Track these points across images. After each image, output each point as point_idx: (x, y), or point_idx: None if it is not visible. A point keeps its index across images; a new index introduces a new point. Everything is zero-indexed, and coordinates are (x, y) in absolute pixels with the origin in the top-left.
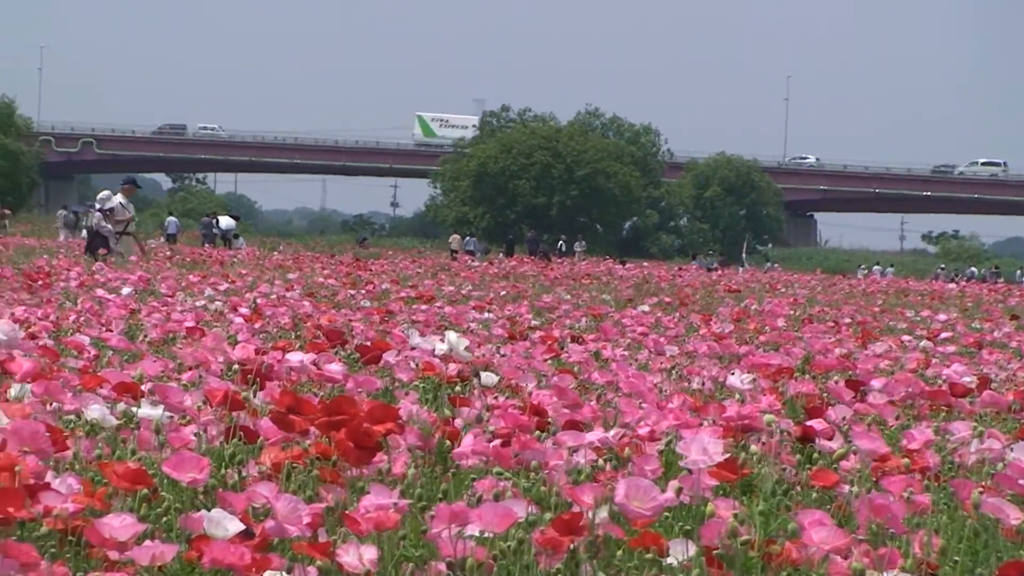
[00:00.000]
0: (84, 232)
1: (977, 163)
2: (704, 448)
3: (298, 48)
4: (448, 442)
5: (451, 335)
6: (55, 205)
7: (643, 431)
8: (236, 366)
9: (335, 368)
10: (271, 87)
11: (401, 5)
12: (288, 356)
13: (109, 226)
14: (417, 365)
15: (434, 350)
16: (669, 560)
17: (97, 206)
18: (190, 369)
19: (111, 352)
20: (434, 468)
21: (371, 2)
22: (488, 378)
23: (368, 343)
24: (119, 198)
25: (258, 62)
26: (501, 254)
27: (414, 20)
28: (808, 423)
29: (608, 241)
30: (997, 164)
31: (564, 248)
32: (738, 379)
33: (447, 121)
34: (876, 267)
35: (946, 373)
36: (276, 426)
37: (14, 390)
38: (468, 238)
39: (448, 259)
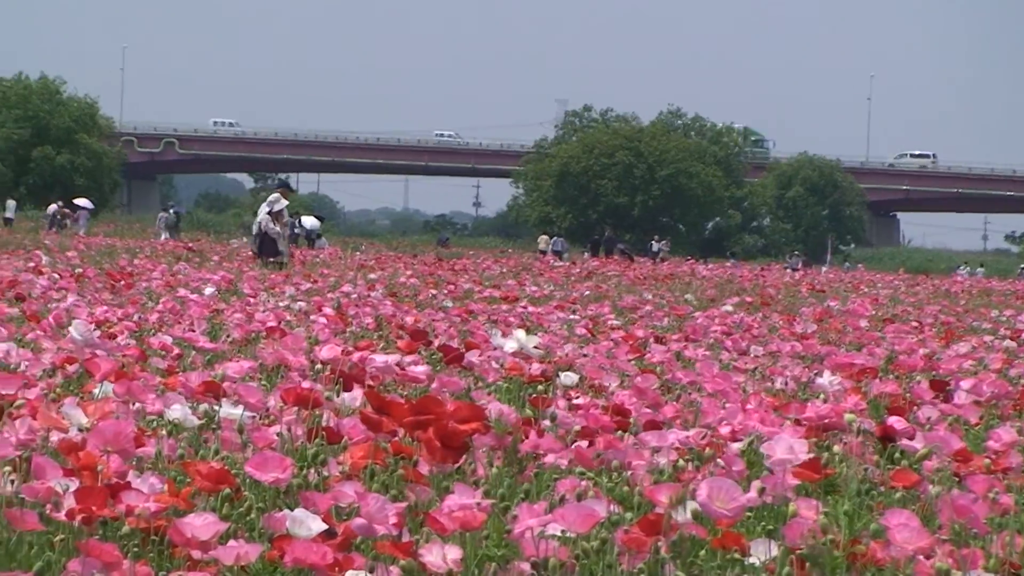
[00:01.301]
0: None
1: None
2: (788, 448)
3: (381, 48)
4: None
5: (520, 333)
6: (137, 205)
7: (725, 431)
8: (320, 366)
9: (420, 368)
10: (355, 87)
11: (484, 5)
12: (373, 356)
13: (277, 228)
14: (502, 365)
15: (503, 348)
16: (751, 560)
17: (265, 208)
18: (272, 369)
19: (194, 352)
20: (512, 468)
21: (455, 3)
22: (568, 378)
23: (451, 343)
24: (272, 196)
25: (342, 62)
26: (586, 254)
27: (496, 20)
28: (888, 422)
29: (691, 241)
30: None
31: (655, 248)
32: (826, 379)
33: None
34: (964, 267)
35: None
36: (364, 426)
37: (97, 390)
38: (555, 238)
39: (533, 259)
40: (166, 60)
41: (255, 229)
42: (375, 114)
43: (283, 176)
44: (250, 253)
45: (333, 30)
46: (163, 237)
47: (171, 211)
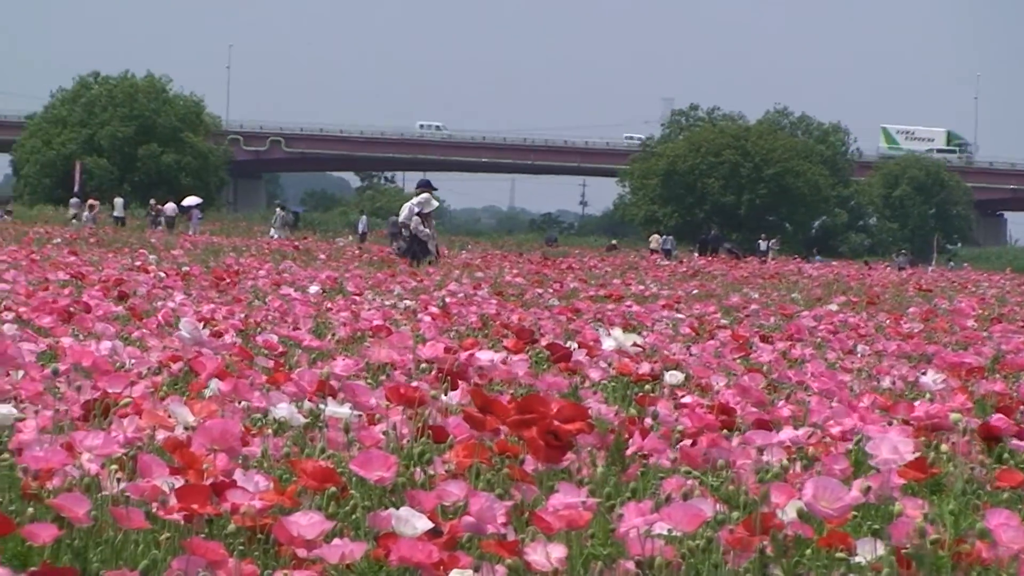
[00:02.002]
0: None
1: None
2: (894, 447)
3: (488, 47)
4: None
5: (617, 332)
6: (243, 204)
7: (834, 430)
8: (426, 364)
9: (524, 367)
10: (461, 86)
11: (590, 4)
12: (478, 355)
13: (427, 230)
14: (610, 364)
15: (604, 347)
16: (857, 559)
17: (415, 209)
18: (378, 368)
19: (299, 351)
20: (616, 466)
21: (562, 2)
22: (673, 377)
23: (556, 342)
24: (421, 197)
25: (448, 60)
26: (694, 253)
27: (604, 19)
28: (993, 422)
29: (797, 240)
30: None
31: (764, 248)
32: (930, 379)
33: (912, 133)
34: None
35: None
36: (468, 425)
37: (208, 389)
38: (665, 236)
39: (639, 258)
40: (273, 58)
41: (394, 229)
42: (481, 113)
43: (424, 178)
44: (393, 255)
45: (439, 28)
46: (275, 236)
47: (288, 210)
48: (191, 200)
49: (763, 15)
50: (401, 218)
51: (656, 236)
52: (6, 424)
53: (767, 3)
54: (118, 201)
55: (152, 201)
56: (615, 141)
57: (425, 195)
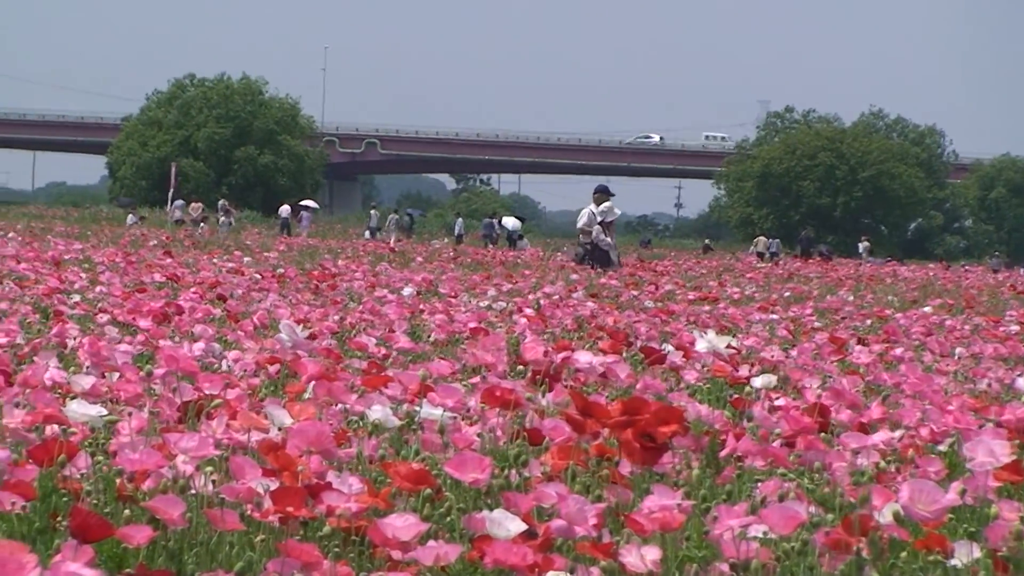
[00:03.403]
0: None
1: None
2: (990, 450)
3: (584, 49)
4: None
5: (710, 334)
6: (339, 206)
7: (925, 432)
8: (522, 367)
9: (622, 369)
10: (556, 88)
11: (689, 6)
12: (576, 357)
13: (609, 240)
14: (705, 366)
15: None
16: (953, 562)
17: (599, 218)
18: (474, 370)
19: (395, 353)
20: (711, 469)
21: (660, 4)
22: (767, 380)
23: (651, 344)
24: (604, 205)
25: (543, 62)
26: (797, 255)
27: (699, 22)
28: None
29: (892, 243)
30: None
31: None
32: None
33: None
34: None
35: None
36: (569, 427)
37: (307, 392)
38: (771, 240)
39: (734, 260)
40: (368, 60)
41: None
42: (577, 115)
43: (603, 183)
44: (571, 262)
45: (534, 31)
46: (392, 239)
47: (403, 213)
48: (307, 202)
49: (860, 18)
50: (579, 225)
51: (762, 239)
52: (97, 425)
53: (865, 6)
54: (221, 204)
55: (222, 201)
56: (710, 143)
57: (608, 203)
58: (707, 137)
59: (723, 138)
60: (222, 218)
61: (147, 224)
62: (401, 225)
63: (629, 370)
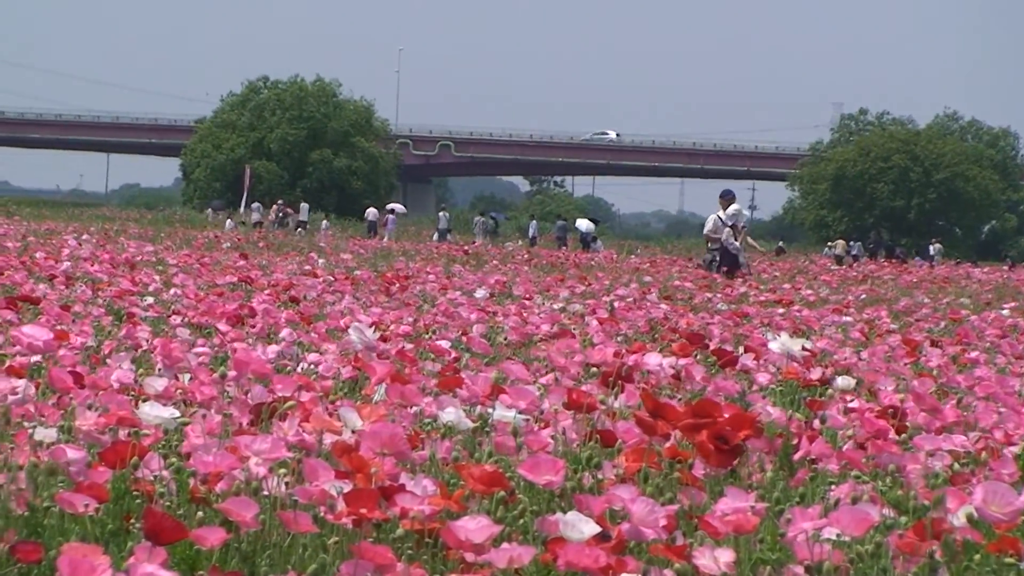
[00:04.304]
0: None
1: None
2: None
3: (655, 52)
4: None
5: (784, 336)
6: (413, 208)
7: (999, 435)
8: (595, 369)
9: (697, 371)
10: (630, 91)
11: (760, 10)
12: (647, 359)
13: (738, 243)
14: (777, 369)
15: (771, 351)
16: None
17: (729, 223)
18: (547, 372)
19: (468, 355)
20: (785, 471)
21: (732, 7)
22: (844, 382)
23: (725, 347)
24: (732, 209)
25: (616, 66)
26: (865, 257)
27: (773, 24)
28: None
29: (967, 245)
30: None
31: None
32: None
33: None
34: None
35: None
36: (640, 429)
37: (376, 394)
38: (853, 243)
39: (809, 262)
40: (442, 62)
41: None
42: (650, 117)
43: (728, 188)
44: (699, 267)
45: (608, 33)
46: (478, 242)
47: (490, 216)
48: (394, 205)
49: (935, 20)
50: (706, 230)
51: (841, 242)
52: (170, 428)
53: (940, 9)
54: (304, 206)
55: (280, 202)
56: (784, 145)
57: (736, 207)
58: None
59: (814, 143)
60: (324, 223)
61: (221, 227)
62: (486, 228)
63: (703, 372)
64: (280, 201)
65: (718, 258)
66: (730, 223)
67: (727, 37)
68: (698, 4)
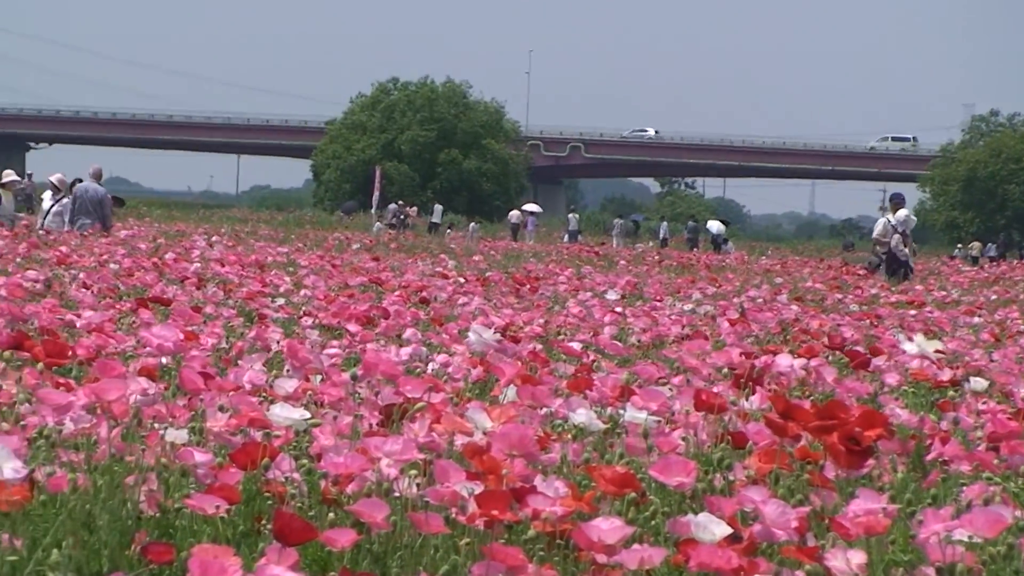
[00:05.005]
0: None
1: None
2: None
3: (784, 53)
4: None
5: (919, 337)
6: (544, 210)
7: None
8: (726, 370)
9: (829, 372)
10: (759, 93)
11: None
12: (777, 360)
13: (907, 250)
14: (906, 370)
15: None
16: None
17: (900, 228)
18: (678, 373)
19: (597, 355)
20: (917, 473)
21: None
22: (977, 383)
23: (856, 348)
24: (902, 214)
25: (744, 67)
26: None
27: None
28: None
29: None
30: None
31: None
32: None
33: None
34: None
35: None
36: (770, 430)
37: (502, 395)
38: (990, 244)
39: (940, 264)
40: (572, 63)
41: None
42: (780, 118)
43: (898, 192)
44: (865, 269)
45: (737, 35)
46: (615, 244)
47: (630, 220)
48: (532, 207)
49: None
50: (875, 233)
51: (977, 243)
52: (300, 429)
53: None
54: (437, 208)
55: (399, 202)
56: (914, 147)
57: (905, 212)
58: (883, 139)
59: (945, 144)
60: (472, 225)
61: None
62: (626, 231)
63: (834, 373)
64: (399, 202)
65: (885, 261)
66: (900, 229)
67: (858, 38)
68: (830, 6)
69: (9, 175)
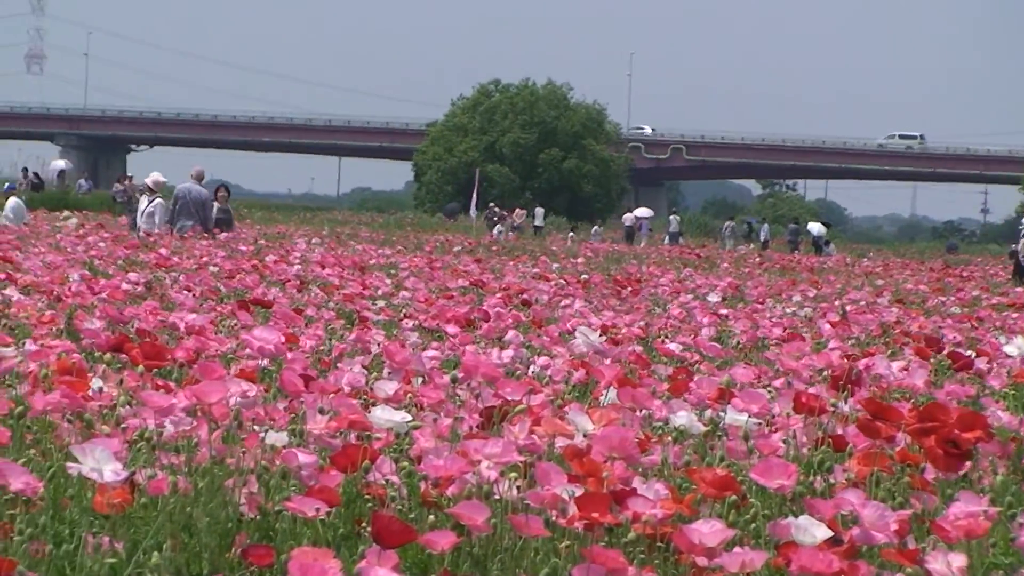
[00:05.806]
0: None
1: None
2: None
3: (883, 55)
4: None
5: (1020, 339)
6: None
7: None
8: (826, 372)
9: (919, 376)
10: (859, 94)
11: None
12: (876, 363)
13: None
14: (1009, 373)
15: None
16: None
17: None
18: (779, 375)
19: (698, 358)
20: (1018, 476)
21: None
22: None
23: (959, 349)
24: None
25: (844, 69)
26: None
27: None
28: None
29: None
30: None
31: None
32: None
33: None
34: None
35: None
36: (862, 432)
37: (603, 397)
38: None
39: None
40: (674, 65)
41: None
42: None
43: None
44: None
45: (836, 38)
46: (728, 247)
47: (743, 221)
48: (644, 211)
49: None
50: (1020, 246)
51: None
52: (401, 431)
53: None
54: (539, 210)
55: (491, 204)
56: (1017, 148)
57: None
58: (890, 136)
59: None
60: (595, 228)
61: (453, 230)
62: (736, 233)
63: (927, 376)
64: (492, 204)
65: None
66: None
67: (954, 39)
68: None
69: (154, 176)
